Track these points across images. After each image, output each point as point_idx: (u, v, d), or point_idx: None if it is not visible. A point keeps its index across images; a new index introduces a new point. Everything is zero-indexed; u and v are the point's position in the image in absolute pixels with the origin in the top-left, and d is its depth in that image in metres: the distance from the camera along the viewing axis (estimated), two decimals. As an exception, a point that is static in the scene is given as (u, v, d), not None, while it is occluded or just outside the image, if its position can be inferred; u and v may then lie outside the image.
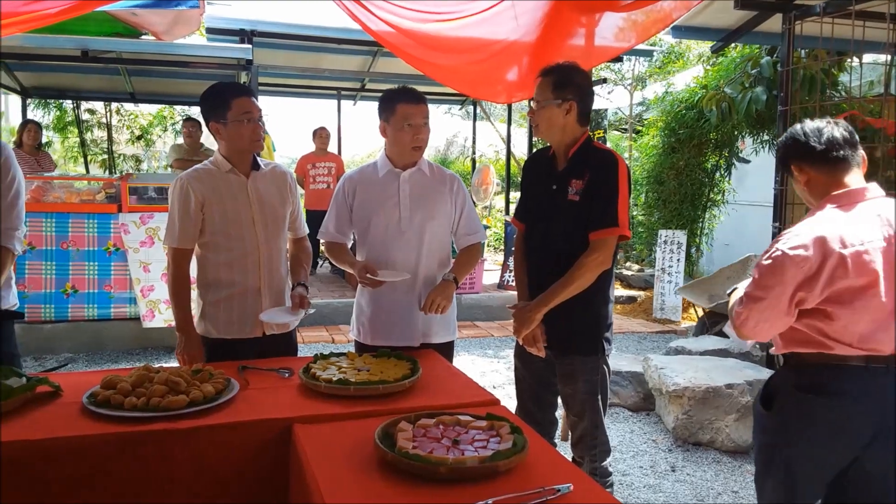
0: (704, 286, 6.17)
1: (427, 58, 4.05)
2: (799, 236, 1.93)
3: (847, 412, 1.94)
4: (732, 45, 6.29)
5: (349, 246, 2.93)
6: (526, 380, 2.80)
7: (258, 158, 2.81)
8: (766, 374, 4.27)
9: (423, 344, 2.80)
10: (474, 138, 11.20)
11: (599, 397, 2.60)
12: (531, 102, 2.64)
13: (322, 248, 9.47)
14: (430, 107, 2.82)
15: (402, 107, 2.69)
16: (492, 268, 9.02)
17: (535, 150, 9.15)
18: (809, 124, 2.06)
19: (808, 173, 2.05)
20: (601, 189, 2.51)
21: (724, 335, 5.55)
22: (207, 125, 2.74)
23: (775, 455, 2.05)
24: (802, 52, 5.63)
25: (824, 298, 1.92)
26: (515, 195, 11.33)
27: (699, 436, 4.11)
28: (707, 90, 6.50)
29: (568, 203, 2.54)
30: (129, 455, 1.91)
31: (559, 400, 2.78)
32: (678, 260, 7.30)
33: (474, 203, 4.65)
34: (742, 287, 2.10)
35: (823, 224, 1.94)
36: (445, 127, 19.56)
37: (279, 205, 2.81)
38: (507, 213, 9.60)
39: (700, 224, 7.94)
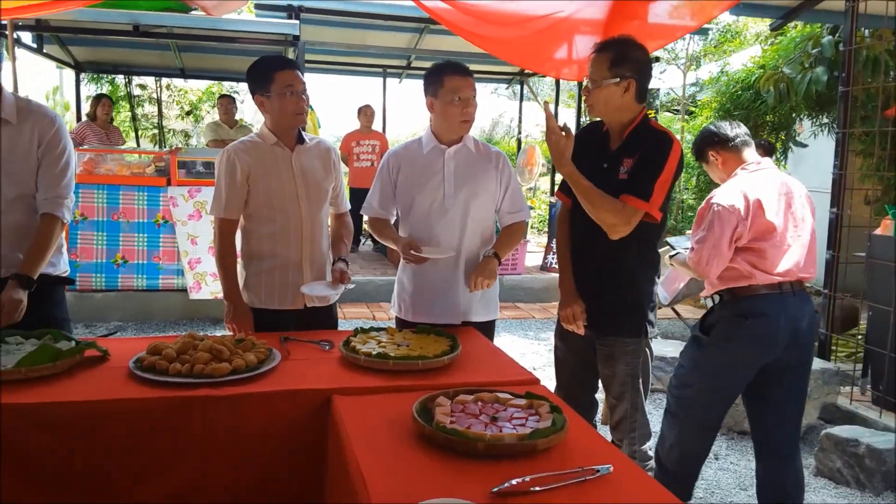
0: None
1: (481, 32, 3.98)
2: (729, 193, 2.66)
3: (769, 327, 2.62)
4: (792, 24, 6.06)
5: (392, 222, 2.92)
6: (566, 360, 2.75)
7: (303, 133, 2.82)
8: (816, 363, 4.12)
9: (464, 322, 2.79)
10: (520, 118, 11.07)
11: (641, 380, 2.54)
12: (586, 81, 2.53)
13: (365, 225, 9.50)
14: (477, 86, 2.79)
15: (450, 79, 2.66)
16: (535, 249, 8.96)
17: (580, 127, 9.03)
18: (718, 123, 2.88)
19: (723, 155, 2.81)
20: (647, 164, 2.42)
21: None
22: (253, 98, 2.76)
23: (711, 364, 2.71)
24: (866, 31, 5.38)
25: (752, 237, 2.62)
26: (560, 177, 11.18)
27: (744, 424, 3.98)
28: (765, 70, 6.26)
29: (618, 182, 2.46)
30: (172, 419, 1.94)
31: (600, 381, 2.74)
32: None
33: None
34: (683, 250, 2.89)
35: (742, 183, 2.68)
36: (491, 107, 19.39)
37: (322, 179, 2.81)
38: (552, 194, 9.48)
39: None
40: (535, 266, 8.18)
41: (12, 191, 2.46)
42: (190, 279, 6.04)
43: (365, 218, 2.94)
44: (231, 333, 2.65)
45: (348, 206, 3.03)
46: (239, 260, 2.83)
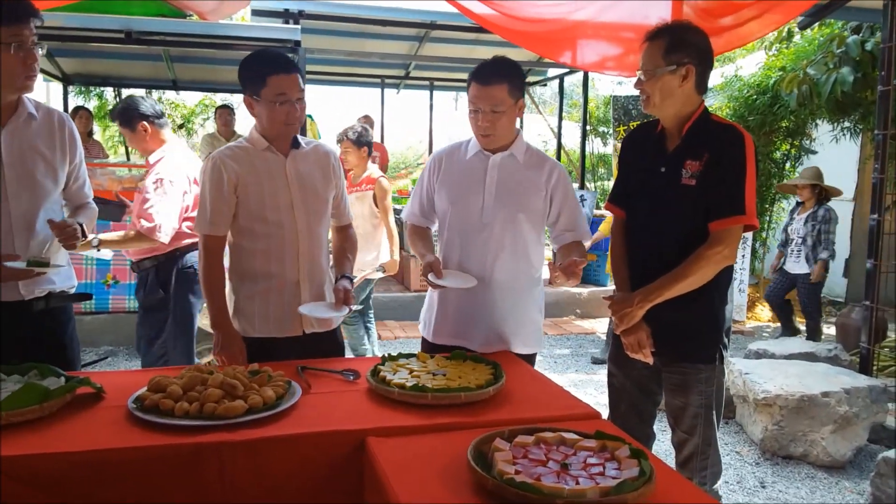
0: None
1: (509, 26, 3.78)
2: (174, 170, 3.41)
3: None
4: (797, 27, 5.84)
5: (433, 231, 2.66)
6: (624, 388, 2.45)
7: (298, 136, 2.51)
8: (861, 380, 3.88)
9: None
10: (521, 127, 10.86)
11: (714, 411, 2.26)
12: (639, 73, 2.25)
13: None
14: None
15: (471, 88, 2.39)
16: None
17: (585, 139, 8.81)
18: (143, 97, 3.38)
19: (153, 129, 3.40)
20: (726, 171, 2.14)
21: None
22: (243, 96, 2.46)
23: None
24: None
25: (193, 206, 3.34)
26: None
27: (790, 449, 3.74)
28: (785, 72, 6.06)
29: (681, 188, 2.18)
30: (182, 469, 1.67)
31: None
32: (743, 256, 6.86)
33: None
34: None
35: (181, 161, 3.51)
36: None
37: (321, 188, 2.50)
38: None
39: (767, 218, 7.46)
40: (544, 280, 7.89)
41: (48, 185, 2.35)
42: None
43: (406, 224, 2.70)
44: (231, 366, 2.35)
45: (352, 218, 2.74)
46: (227, 282, 2.52)
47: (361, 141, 4.34)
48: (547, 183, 2.49)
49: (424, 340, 2.63)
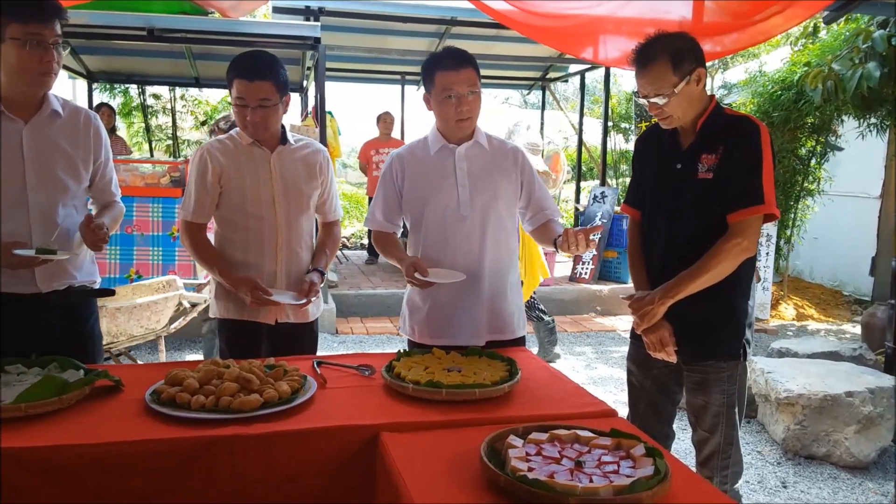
0: None
1: (529, 22, 3.76)
2: None
3: None
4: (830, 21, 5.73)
5: (399, 234, 2.63)
6: (643, 387, 2.43)
7: (288, 133, 2.56)
8: (886, 379, 3.81)
9: (490, 342, 2.46)
10: (542, 124, 10.80)
11: (736, 410, 2.23)
12: (648, 99, 2.21)
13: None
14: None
15: (441, 75, 2.34)
16: (563, 259, 8.64)
17: (607, 135, 8.74)
18: None
19: None
20: (742, 161, 2.11)
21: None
22: None
23: None
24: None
25: None
26: (585, 184, 10.89)
27: (813, 448, 3.68)
28: (810, 67, 5.97)
29: (698, 182, 2.16)
30: (196, 463, 1.68)
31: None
32: (767, 254, 6.77)
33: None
34: None
35: None
36: (504, 116, 19.21)
37: (304, 184, 2.56)
38: (577, 201, 9.20)
39: (792, 215, 7.35)
40: (564, 277, 7.87)
41: (68, 181, 2.35)
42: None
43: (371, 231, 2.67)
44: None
45: (339, 215, 2.79)
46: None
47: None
48: (514, 166, 2.50)
49: (412, 343, 2.58)
